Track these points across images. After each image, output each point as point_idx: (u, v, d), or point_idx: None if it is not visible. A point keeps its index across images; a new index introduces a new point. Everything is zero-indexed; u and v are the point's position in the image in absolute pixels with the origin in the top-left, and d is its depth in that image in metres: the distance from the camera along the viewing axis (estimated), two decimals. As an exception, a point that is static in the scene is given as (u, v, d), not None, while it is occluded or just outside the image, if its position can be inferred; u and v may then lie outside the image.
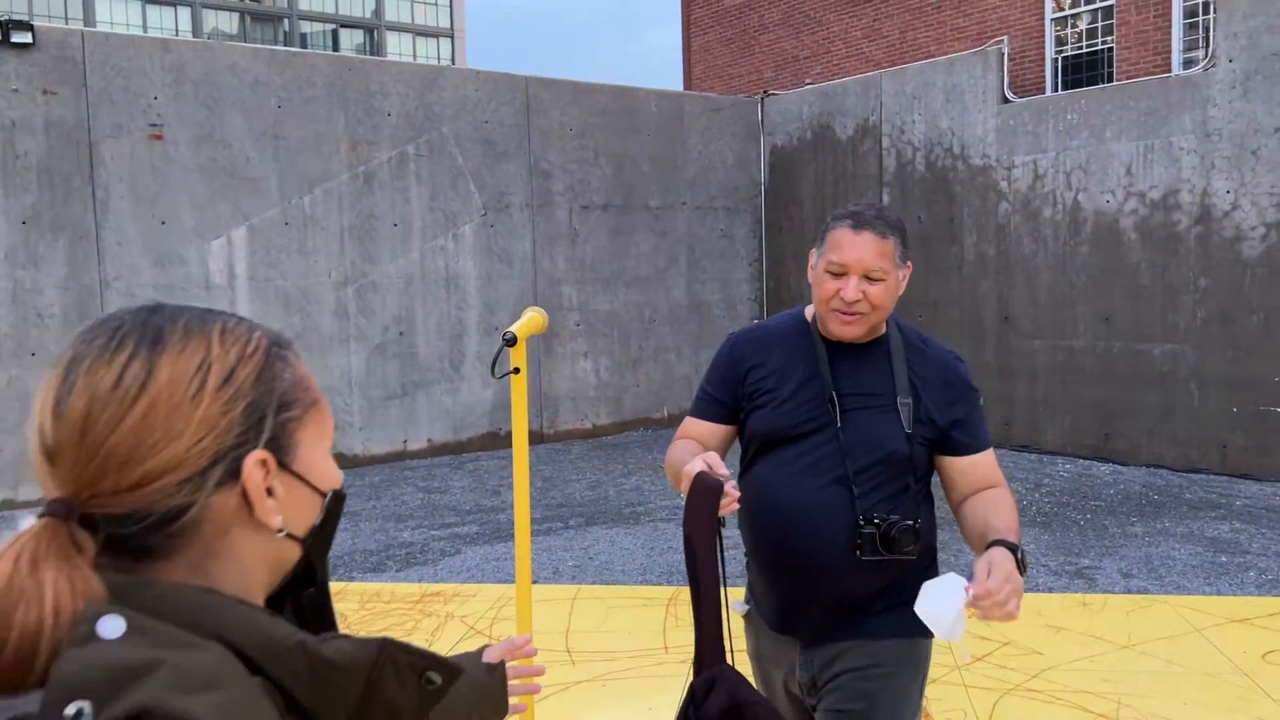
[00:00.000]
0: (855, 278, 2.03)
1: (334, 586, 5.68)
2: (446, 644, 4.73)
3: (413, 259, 9.91)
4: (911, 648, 2.15)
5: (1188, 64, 10.59)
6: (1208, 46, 9.22)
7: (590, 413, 10.95)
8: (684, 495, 1.89)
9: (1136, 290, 8.96)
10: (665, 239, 11.41)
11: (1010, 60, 10.33)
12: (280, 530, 0.80)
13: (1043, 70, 11.48)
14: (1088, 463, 9.18)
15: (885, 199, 10.81)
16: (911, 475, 2.11)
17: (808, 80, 13.69)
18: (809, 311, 2.22)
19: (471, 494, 8.45)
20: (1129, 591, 5.43)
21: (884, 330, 2.17)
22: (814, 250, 2.15)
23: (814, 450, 2.09)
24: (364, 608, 5.31)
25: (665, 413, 11.37)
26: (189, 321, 0.79)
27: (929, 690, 4.04)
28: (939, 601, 1.78)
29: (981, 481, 2.16)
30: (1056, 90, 11.38)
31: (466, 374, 10.23)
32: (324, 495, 0.84)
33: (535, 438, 10.54)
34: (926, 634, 1.93)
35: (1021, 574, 1.86)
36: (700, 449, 2.10)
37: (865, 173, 11.00)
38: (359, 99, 9.56)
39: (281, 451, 0.81)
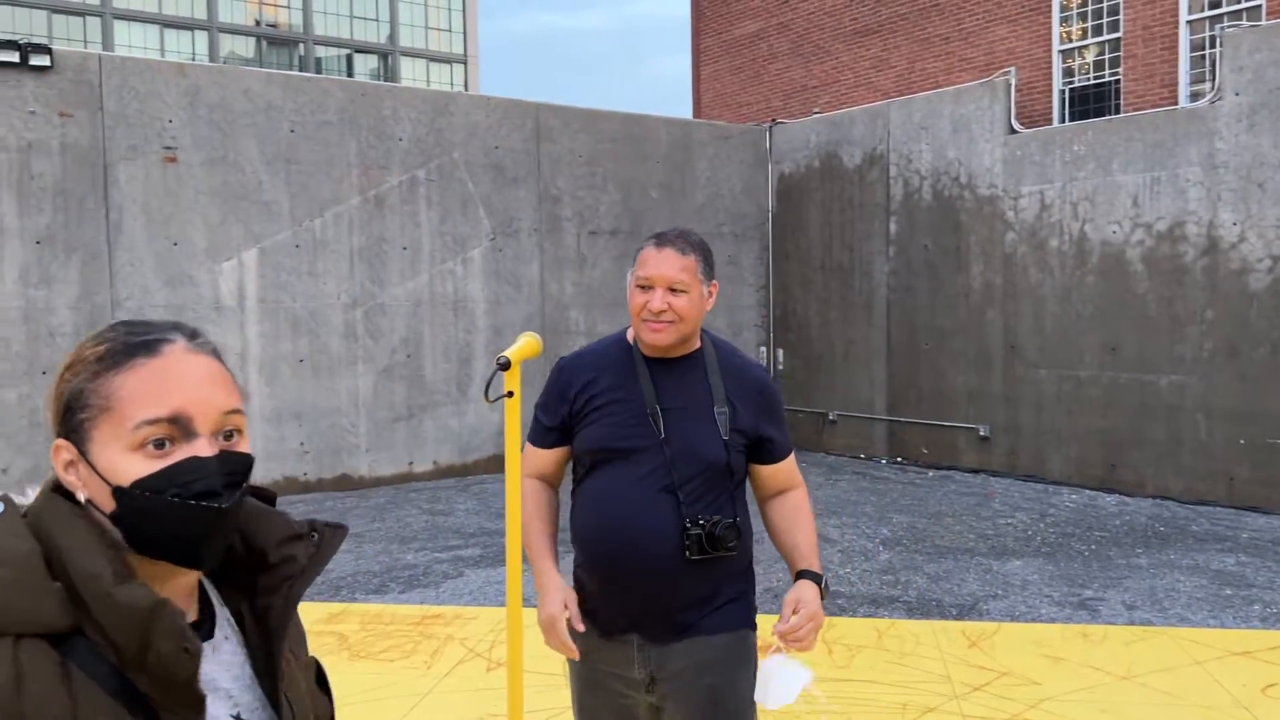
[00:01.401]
0: (660, 290, 2.26)
1: (335, 608, 5.70)
2: (446, 666, 4.74)
3: (421, 282, 9.98)
4: (742, 641, 2.34)
5: (1194, 97, 10.63)
6: (1214, 80, 9.26)
7: (596, 437, 10.96)
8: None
9: (1143, 321, 8.96)
10: (673, 265, 11.45)
11: (1018, 91, 10.39)
12: (88, 501, 1.02)
13: (1050, 101, 11.54)
14: (1093, 493, 9.15)
15: (892, 228, 10.86)
16: (730, 479, 2.32)
17: (815, 109, 13.78)
18: (630, 334, 2.41)
19: (476, 517, 8.47)
20: (1132, 623, 5.41)
21: (699, 345, 2.38)
22: (629, 272, 2.36)
23: (641, 464, 2.28)
24: (365, 629, 5.32)
25: (671, 438, 11.36)
26: (89, 335, 1.06)
27: (926, 719, 4.04)
28: (779, 688, 2.17)
29: (784, 483, 2.44)
30: (1064, 121, 11.43)
31: (473, 397, 10.27)
32: (110, 485, 1.00)
33: (541, 461, 10.55)
34: (753, 627, 2.37)
35: (824, 597, 2.28)
36: (549, 509, 2.43)
37: (872, 201, 11.05)
38: (371, 124, 9.66)
39: (79, 442, 1.02)
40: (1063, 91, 11.39)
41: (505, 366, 1.81)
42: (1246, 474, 8.38)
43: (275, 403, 9.27)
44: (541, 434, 2.42)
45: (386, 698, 4.35)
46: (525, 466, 2.47)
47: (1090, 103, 11.31)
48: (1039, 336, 9.70)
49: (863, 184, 11.16)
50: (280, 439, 9.27)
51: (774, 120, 12.45)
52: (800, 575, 2.31)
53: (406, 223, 9.87)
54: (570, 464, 2.46)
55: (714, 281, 2.36)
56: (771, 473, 2.41)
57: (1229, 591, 6.10)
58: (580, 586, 2.37)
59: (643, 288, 2.28)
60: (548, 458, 2.42)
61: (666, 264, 2.26)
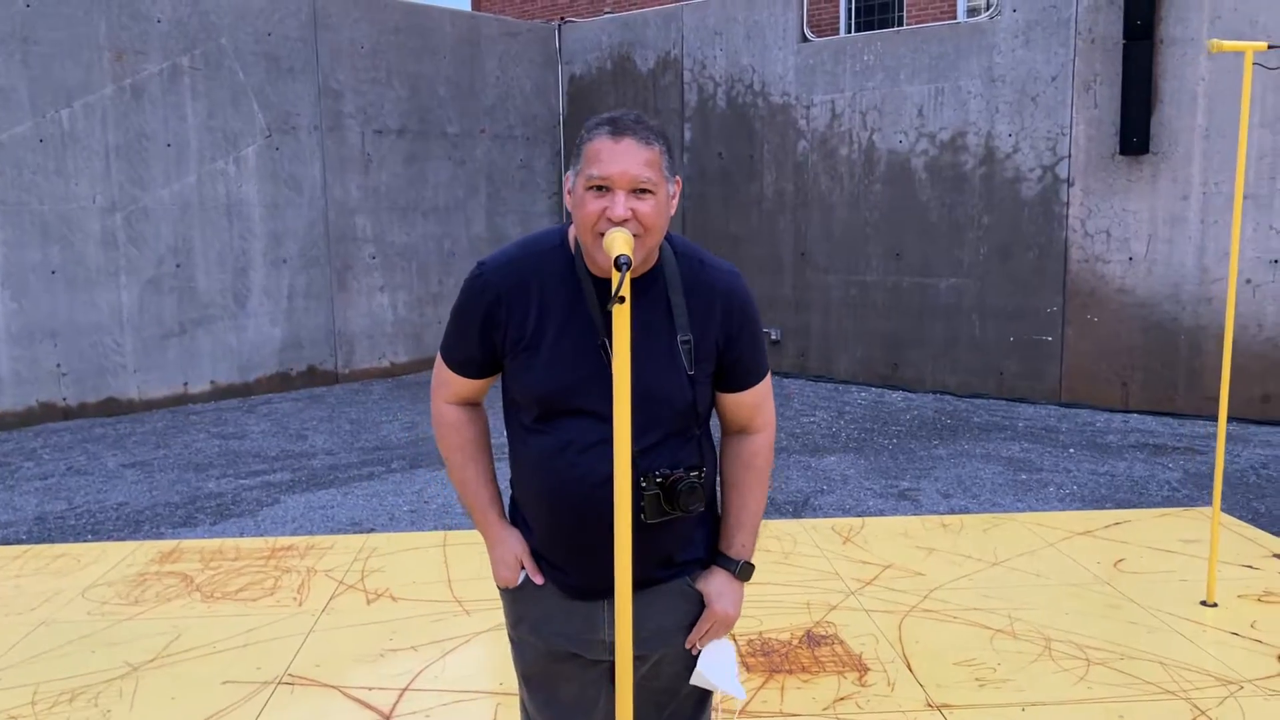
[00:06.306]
0: (621, 193, 1.74)
1: (166, 546, 5.11)
2: (319, 601, 4.35)
3: (189, 183, 8.98)
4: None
5: (971, 12, 11.20)
6: (988, -3, 9.78)
7: (388, 350, 10.43)
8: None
9: (925, 227, 9.49)
10: (464, 168, 10.95)
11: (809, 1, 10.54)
12: None
13: (837, 10, 11.83)
14: (879, 390, 9.71)
15: (687, 134, 10.86)
16: (696, 419, 1.93)
17: (606, 9, 13.46)
18: (571, 237, 1.92)
19: (273, 439, 7.86)
20: (952, 511, 5.78)
21: (657, 256, 1.89)
22: (569, 173, 1.84)
23: (590, 409, 1.86)
24: (209, 567, 4.78)
25: (464, 349, 11.00)
26: None
27: (833, 617, 4.13)
28: (718, 670, 1.99)
29: (746, 418, 2.01)
30: (850, 32, 11.77)
31: (253, 310, 9.44)
32: None
33: (330, 378, 9.93)
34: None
35: (746, 580, 2.02)
36: (479, 445, 2.05)
37: (667, 106, 10.98)
38: (123, 2, 8.47)
39: None
40: (849, 1, 11.70)
41: (628, 265, 1.53)
42: (1015, 368, 9.15)
43: (24, 320, 8.13)
44: (462, 362, 1.96)
45: (264, 640, 3.93)
46: (442, 390, 2.01)
47: (875, 14, 11.71)
48: (828, 243, 10.07)
49: (657, 89, 11.05)
50: (33, 361, 8.17)
51: (562, 19, 12.04)
52: (716, 561, 2.01)
53: (170, 116, 8.81)
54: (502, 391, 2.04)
55: (677, 177, 1.85)
56: (734, 403, 1.98)
57: (1024, 476, 6.65)
58: (539, 554, 2.01)
59: (597, 190, 1.75)
60: (472, 384, 1.99)
61: (628, 158, 1.73)
